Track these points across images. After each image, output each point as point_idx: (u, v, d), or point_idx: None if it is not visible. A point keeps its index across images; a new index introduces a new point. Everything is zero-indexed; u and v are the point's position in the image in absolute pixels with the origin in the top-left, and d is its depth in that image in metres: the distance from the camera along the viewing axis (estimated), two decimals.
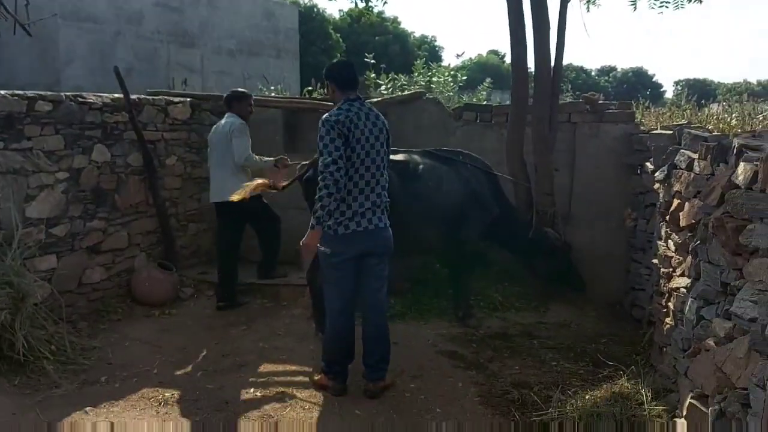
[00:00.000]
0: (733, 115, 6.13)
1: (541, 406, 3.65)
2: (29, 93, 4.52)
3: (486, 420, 3.59)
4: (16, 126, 4.36)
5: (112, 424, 3.36)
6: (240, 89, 5.68)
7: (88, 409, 3.52)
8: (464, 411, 3.70)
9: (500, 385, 4.06)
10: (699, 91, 9.61)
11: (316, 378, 3.96)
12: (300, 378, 4.08)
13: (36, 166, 4.49)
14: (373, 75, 8.11)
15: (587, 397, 3.63)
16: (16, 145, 4.36)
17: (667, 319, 3.89)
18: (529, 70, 5.79)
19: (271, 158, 5.46)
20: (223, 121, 5.39)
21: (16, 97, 4.38)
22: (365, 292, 3.89)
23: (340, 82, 3.76)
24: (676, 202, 3.95)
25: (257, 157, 5.35)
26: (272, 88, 8.97)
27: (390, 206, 4.60)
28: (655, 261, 4.41)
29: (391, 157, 4.86)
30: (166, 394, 3.78)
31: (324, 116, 3.62)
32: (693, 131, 4.17)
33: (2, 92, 4.32)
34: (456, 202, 5.06)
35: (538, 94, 5.55)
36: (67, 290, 4.72)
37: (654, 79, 49.73)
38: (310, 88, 7.90)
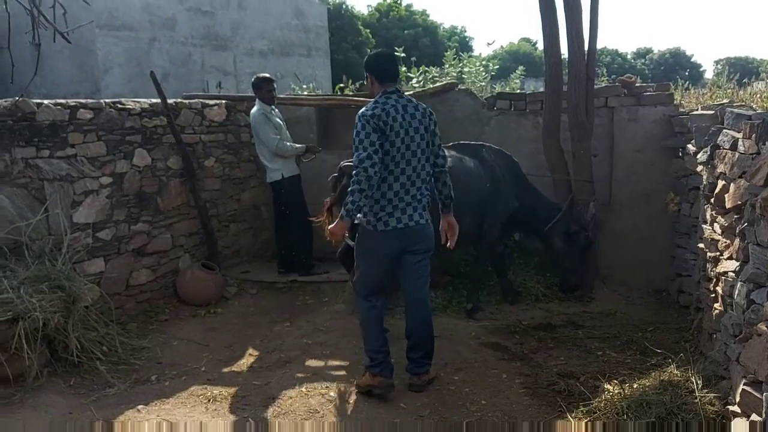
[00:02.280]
0: None
1: (588, 396, 3.61)
2: (71, 102, 4.65)
3: (533, 410, 3.57)
4: (60, 134, 4.49)
5: (171, 424, 3.44)
6: (259, 75, 6.06)
7: (140, 407, 3.61)
8: (510, 402, 3.68)
9: (545, 375, 4.03)
10: (740, 70, 9.30)
11: (362, 380, 3.83)
12: (343, 373, 4.12)
13: (80, 172, 4.62)
14: (404, 69, 8.08)
15: (635, 386, 3.57)
16: (61, 152, 4.50)
17: (716, 305, 3.80)
18: (562, 56, 5.71)
19: (302, 145, 5.93)
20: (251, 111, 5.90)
21: (59, 107, 4.50)
22: (407, 289, 3.90)
23: (379, 73, 3.69)
24: (720, 183, 3.84)
25: (288, 144, 5.82)
26: (304, 86, 9.02)
27: None
28: (701, 245, 4.31)
29: None
30: (215, 391, 3.85)
31: (360, 111, 3.61)
32: (736, 110, 4.05)
33: (46, 102, 4.45)
34: (480, 195, 5.05)
35: (572, 79, 5.46)
36: (116, 292, 4.85)
37: (692, 60, 48.34)
38: (341, 84, 7.93)
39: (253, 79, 6.00)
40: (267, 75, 6.04)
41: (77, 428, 3.34)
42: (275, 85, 5.97)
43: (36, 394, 3.68)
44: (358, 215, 3.64)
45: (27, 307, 3.70)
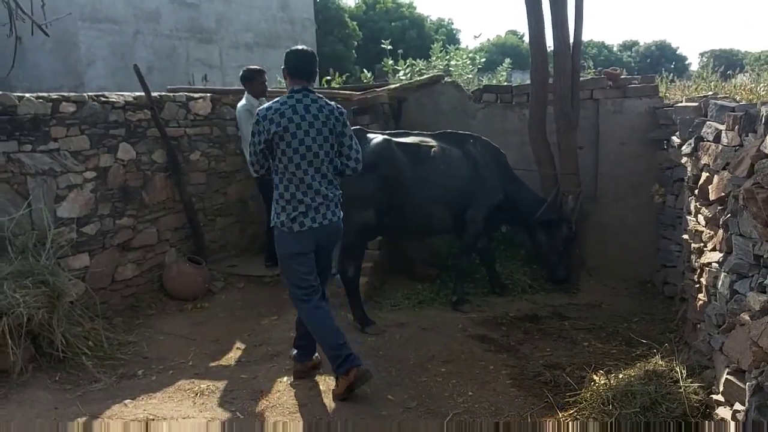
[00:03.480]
0: (762, 85, 5.99)
1: (574, 386, 3.64)
2: (53, 95, 4.59)
3: (519, 402, 3.59)
4: (43, 128, 4.44)
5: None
6: (251, 67, 5.90)
7: (127, 401, 3.60)
8: (497, 394, 3.70)
9: (532, 367, 4.06)
10: (725, 62, 9.35)
11: (338, 388, 3.64)
12: (331, 366, 4.11)
13: (64, 166, 4.57)
14: (390, 61, 8.08)
15: (621, 376, 3.59)
16: (44, 146, 4.44)
17: (700, 295, 3.84)
18: (548, 48, 5.72)
19: None
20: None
21: (41, 100, 4.45)
22: None
23: (291, 70, 3.62)
24: (704, 175, 3.87)
25: None
26: None
27: (401, 188, 4.60)
28: (686, 236, 4.35)
29: (403, 140, 4.89)
30: (202, 386, 3.84)
31: (259, 107, 3.65)
32: (719, 102, 4.08)
33: (27, 95, 4.40)
34: (464, 185, 5.05)
35: (558, 71, 5.48)
36: (101, 287, 4.81)
37: (678, 52, 48.63)
38: (328, 77, 7.90)
39: (243, 71, 5.79)
40: (259, 67, 5.89)
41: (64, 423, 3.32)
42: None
43: (21, 389, 3.65)
44: (273, 219, 3.64)
45: (10, 302, 3.67)
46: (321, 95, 3.71)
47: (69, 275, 4.32)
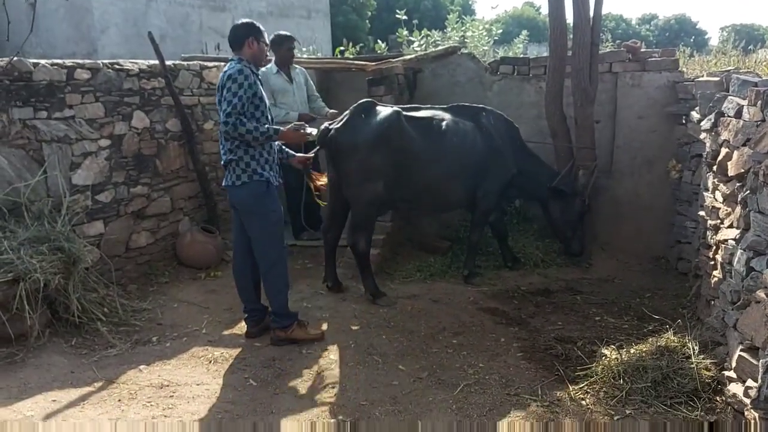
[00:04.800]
0: None
1: (585, 360, 3.65)
2: (68, 62, 4.58)
3: (530, 374, 3.61)
4: (58, 95, 4.43)
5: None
6: (279, 32, 5.69)
7: (141, 367, 3.65)
8: (507, 366, 3.72)
9: (543, 340, 4.07)
10: (746, 37, 9.18)
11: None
12: (343, 336, 4.15)
13: (79, 134, 4.58)
14: (405, 32, 7.97)
15: (632, 351, 3.60)
16: (59, 113, 4.45)
17: (715, 272, 3.81)
18: (567, 21, 5.61)
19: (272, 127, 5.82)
20: None
21: (56, 67, 4.44)
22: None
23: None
24: (724, 151, 3.82)
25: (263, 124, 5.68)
26: (304, 49, 8.90)
27: (411, 161, 4.60)
28: (702, 213, 4.31)
29: (416, 114, 4.84)
30: (215, 353, 3.89)
31: None
32: (742, 76, 4.00)
33: (42, 62, 4.38)
34: (477, 159, 5.00)
35: (576, 44, 5.38)
36: (116, 255, 4.85)
37: (698, 26, 47.72)
38: (342, 47, 7.82)
39: (273, 37, 5.52)
40: (287, 33, 5.71)
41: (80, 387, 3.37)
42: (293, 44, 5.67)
43: (38, 353, 3.71)
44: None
45: (27, 267, 3.70)
46: (233, 61, 3.83)
47: (84, 242, 4.35)
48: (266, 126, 3.80)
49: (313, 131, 4.28)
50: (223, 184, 3.96)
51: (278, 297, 4.03)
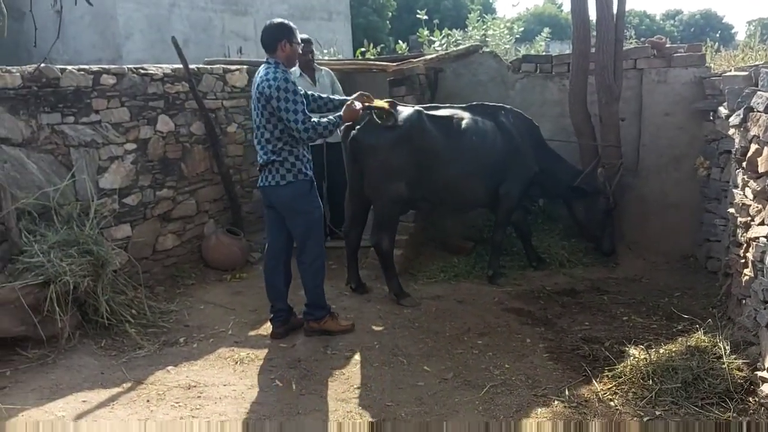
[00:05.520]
0: None
1: (613, 361, 3.60)
2: (94, 67, 4.65)
3: (557, 375, 3.57)
4: (84, 100, 4.51)
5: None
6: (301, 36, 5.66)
7: (169, 368, 3.69)
8: (534, 366, 3.69)
9: (570, 340, 4.02)
10: None
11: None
12: (367, 336, 4.15)
13: (105, 138, 4.65)
14: (426, 32, 7.96)
15: (661, 351, 3.55)
16: (86, 118, 4.52)
17: (746, 270, 3.74)
18: (590, 17, 5.55)
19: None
20: None
21: (83, 72, 4.51)
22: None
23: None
24: (753, 147, 3.75)
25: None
26: (325, 51, 8.93)
27: (433, 161, 4.59)
28: (732, 210, 4.23)
29: (436, 113, 4.82)
30: (242, 354, 3.92)
31: None
32: None
33: (69, 67, 4.46)
34: (498, 158, 4.97)
35: (600, 40, 5.32)
36: (143, 257, 4.91)
37: (724, 21, 46.92)
38: (362, 48, 7.84)
39: None
40: (306, 36, 5.64)
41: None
42: (312, 48, 5.70)
43: (69, 355, 3.77)
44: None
45: (57, 270, 3.77)
46: (270, 65, 3.86)
47: (112, 245, 4.42)
48: (328, 117, 3.95)
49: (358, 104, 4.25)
50: (262, 184, 3.99)
51: (316, 290, 4.13)
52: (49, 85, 4.27)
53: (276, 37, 3.87)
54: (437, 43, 7.54)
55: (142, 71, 5.00)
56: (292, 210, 3.99)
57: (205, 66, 5.90)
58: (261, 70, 3.90)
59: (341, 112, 4.00)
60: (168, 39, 5.74)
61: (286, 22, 3.93)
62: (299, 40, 3.99)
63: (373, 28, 20.10)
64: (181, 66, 5.34)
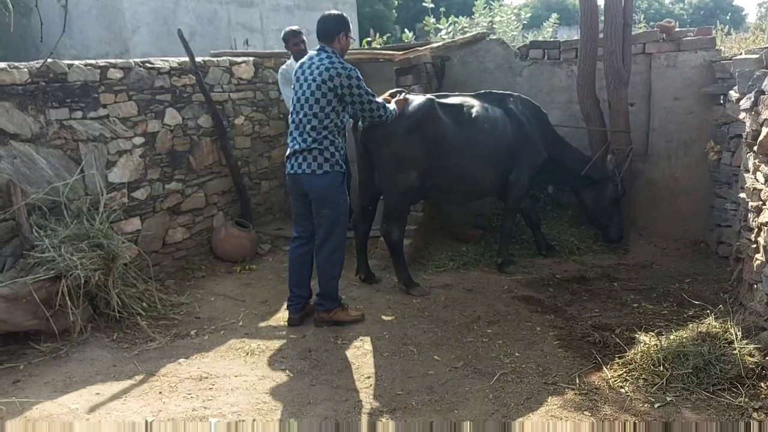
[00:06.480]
0: None
1: (623, 347, 3.59)
2: (101, 62, 4.66)
3: (567, 362, 3.56)
4: (92, 95, 4.52)
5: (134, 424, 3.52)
6: (287, 28, 5.72)
7: (181, 360, 3.72)
8: (544, 354, 3.68)
9: (580, 328, 4.01)
10: None
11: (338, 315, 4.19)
12: (378, 327, 4.16)
13: (113, 132, 4.67)
14: (432, 20, 7.92)
15: (672, 337, 3.53)
16: (94, 113, 4.54)
17: (758, 255, 3.71)
18: (598, 2, 5.50)
19: None
20: None
21: (90, 67, 4.52)
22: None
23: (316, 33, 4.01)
24: (765, 130, 3.70)
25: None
26: None
27: (444, 150, 4.56)
28: (743, 195, 4.19)
29: (445, 101, 4.80)
30: (252, 345, 3.94)
31: None
32: None
33: (76, 62, 4.47)
34: (508, 145, 4.95)
35: (608, 25, 5.27)
36: (153, 250, 4.94)
37: (734, 3, 46.26)
38: (369, 38, 7.81)
39: (282, 34, 5.68)
40: (295, 28, 5.73)
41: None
42: (303, 38, 5.66)
43: (81, 348, 3.81)
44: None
45: (68, 264, 3.80)
46: (331, 54, 3.93)
47: (122, 238, 4.44)
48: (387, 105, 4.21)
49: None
50: (294, 171, 3.99)
51: (331, 282, 4.16)
52: (56, 80, 4.29)
53: (336, 30, 3.97)
54: (444, 31, 7.50)
55: (149, 65, 5.01)
56: (324, 200, 4.00)
57: (212, 58, 5.90)
58: (317, 58, 3.93)
59: (393, 105, 4.31)
60: (174, 32, 5.75)
61: (344, 15, 4.08)
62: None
63: (379, 17, 19.99)
64: (187, 59, 5.34)
